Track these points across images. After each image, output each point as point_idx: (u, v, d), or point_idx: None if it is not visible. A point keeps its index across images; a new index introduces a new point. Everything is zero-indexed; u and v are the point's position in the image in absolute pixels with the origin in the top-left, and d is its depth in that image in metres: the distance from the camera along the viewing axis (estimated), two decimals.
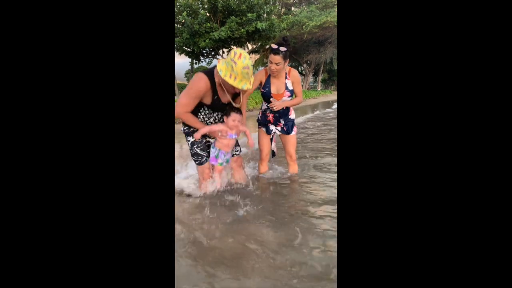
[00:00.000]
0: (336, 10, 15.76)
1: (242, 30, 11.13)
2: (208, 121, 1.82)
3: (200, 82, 1.57)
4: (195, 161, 1.87)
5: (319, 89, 28.50)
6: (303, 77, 25.26)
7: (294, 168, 2.33)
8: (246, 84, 1.52)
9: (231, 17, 11.05)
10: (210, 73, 1.61)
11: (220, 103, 1.72)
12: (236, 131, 1.85)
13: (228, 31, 10.95)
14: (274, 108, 1.99)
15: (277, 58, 1.84)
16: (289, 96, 2.03)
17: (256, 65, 21.47)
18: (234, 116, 1.79)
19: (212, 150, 1.88)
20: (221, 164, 1.91)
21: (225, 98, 1.70)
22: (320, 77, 29.06)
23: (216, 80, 1.61)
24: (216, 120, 1.85)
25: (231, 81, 1.50)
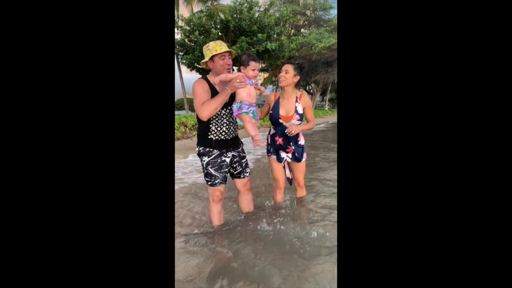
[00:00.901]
0: None
1: (252, 49, 11.44)
2: (221, 126, 1.75)
3: (199, 82, 1.71)
4: (207, 182, 1.82)
5: (326, 108, 28.66)
6: (311, 96, 25.51)
7: (302, 194, 2.32)
8: (226, 48, 1.69)
9: (242, 37, 11.40)
10: (203, 77, 1.79)
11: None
12: (254, 79, 1.69)
13: (239, 50, 11.26)
14: (293, 132, 1.92)
15: (287, 65, 1.92)
16: (298, 120, 1.99)
17: (265, 83, 21.80)
18: (253, 64, 1.66)
19: (234, 106, 1.71)
20: (246, 113, 1.68)
21: (223, 88, 1.74)
22: (327, 97, 29.29)
23: (211, 80, 1.73)
24: (227, 118, 1.77)
25: (216, 50, 1.65)
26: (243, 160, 1.92)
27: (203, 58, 1.87)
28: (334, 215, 2.12)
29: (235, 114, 1.72)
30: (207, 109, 1.62)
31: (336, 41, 14.86)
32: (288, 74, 1.90)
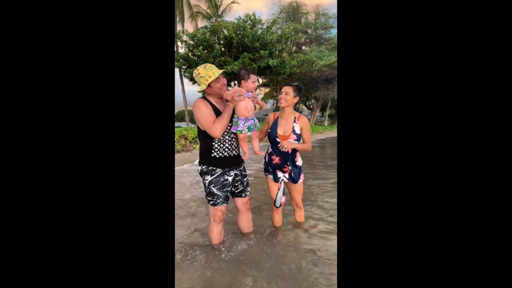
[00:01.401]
0: None
1: (254, 65, 11.66)
2: (224, 142, 1.79)
3: (203, 102, 1.73)
4: (209, 201, 1.80)
5: (326, 124, 28.86)
6: (310, 111, 25.73)
7: (300, 215, 2.32)
8: (218, 71, 1.72)
9: (244, 53, 11.65)
10: (203, 97, 1.81)
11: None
12: (252, 92, 1.79)
13: (241, 66, 11.48)
14: (285, 147, 1.92)
15: (287, 88, 1.98)
16: (295, 140, 2.01)
17: (265, 98, 22.04)
18: (253, 77, 1.77)
19: (233, 120, 1.79)
20: (241, 131, 1.77)
21: (222, 106, 1.80)
22: (327, 112, 29.57)
23: (211, 100, 1.78)
24: (229, 134, 1.82)
25: (210, 77, 1.67)
26: (245, 179, 1.93)
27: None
28: (333, 241, 2.11)
29: (232, 130, 1.78)
30: (220, 126, 1.67)
31: (336, 59, 15.15)
32: (288, 96, 1.95)
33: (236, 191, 1.93)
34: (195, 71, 1.74)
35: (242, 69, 1.78)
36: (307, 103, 26.12)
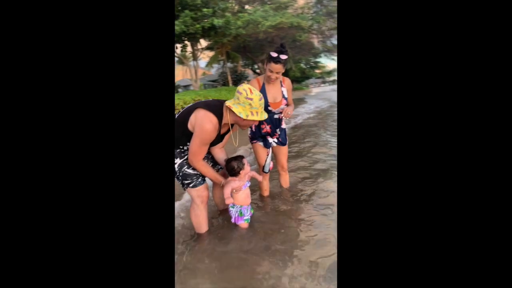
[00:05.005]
0: (289, 11, 16.38)
1: (198, 26, 10.83)
2: None
3: (211, 128, 1.52)
4: (188, 184, 1.64)
5: None
6: (257, 75, 25.57)
7: (286, 180, 2.34)
8: (265, 114, 1.62)
9: (185, 11, 10.67)
10: (219, 113, 1.56)
11: (217, 136, 1.62)
12: (248, 178, 1.78)
13: (183, 26, 10.55)
14: (289, 113, 1.83)
15: (279, 67, 1.76)
16: (285, 104, 1.94)
17: (210, 62, 21.04)
18: (247, 165, 1.72)
19: (232, 210, 1.76)
20: (248, 220, 1.78)
21: (223, 130, 1.65)
22: None
23: (224, 121, 1.59)
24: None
25: (254, 118, 1.54)
26: (210, 156, 1.85)
27: None
28: (325, 207, 2.14)
29: (237, 221, 1.76)
30: (197, 165, 1.59)
31: (282, 20, 14.96)
32: (280, 74, 1.82)
33: None
34: (248, 90, 1.49)
35: (232, 163, 1.71)
36: (253, 66, 25.76)
